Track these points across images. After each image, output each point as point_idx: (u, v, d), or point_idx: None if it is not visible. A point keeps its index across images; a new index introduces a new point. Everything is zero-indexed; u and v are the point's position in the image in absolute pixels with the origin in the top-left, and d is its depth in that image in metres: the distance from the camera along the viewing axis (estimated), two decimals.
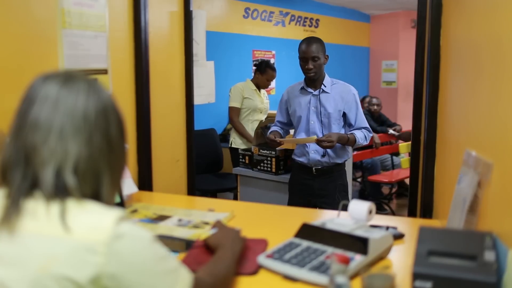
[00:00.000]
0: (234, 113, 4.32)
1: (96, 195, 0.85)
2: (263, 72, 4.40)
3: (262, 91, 4.49)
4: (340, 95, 2.67)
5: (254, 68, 4.60)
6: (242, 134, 4.28)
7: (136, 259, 0.80)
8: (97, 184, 0.85)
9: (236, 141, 4.37)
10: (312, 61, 2.59)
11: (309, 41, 2.65)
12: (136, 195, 1.98)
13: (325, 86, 2.67)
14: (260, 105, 4.42)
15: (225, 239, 1.23)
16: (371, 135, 2.74)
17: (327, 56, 2.69)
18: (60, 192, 0.81)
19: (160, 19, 2.35)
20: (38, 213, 0.80)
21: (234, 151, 4.33)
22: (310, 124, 2.70)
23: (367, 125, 2.75)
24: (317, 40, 2.65)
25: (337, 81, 2.74)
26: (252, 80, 4.45)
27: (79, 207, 0.81)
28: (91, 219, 0.80)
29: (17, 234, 0.79)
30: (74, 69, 0.98)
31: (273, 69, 4.46)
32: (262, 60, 4.59)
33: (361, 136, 2.67)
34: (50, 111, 0.83)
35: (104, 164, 0.86)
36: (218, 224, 1.35)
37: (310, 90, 2.69)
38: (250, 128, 4.31)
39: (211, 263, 1.08)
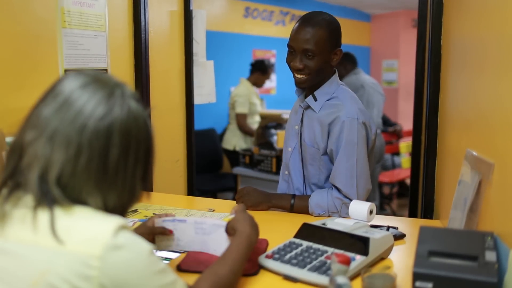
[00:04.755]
0: (244, 119, 4.34)
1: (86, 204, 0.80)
2: (265, 73, 4.42)
3: (254, 90, 4.51)
4: (324, 119, 1.63)
5: (251, 67, 4.62)
6: (251, 134, 4.31)
7: (132, 272, 0.76)
8: (84, 201, 0.79)
9: (240, 143, 4.39)
10: (302, 57, 1.57)
11: (308, 20, 1.58)
12: None
13: (315, 100, 1.65)
14: (259, 108, 4.46)
15: (245, 225, 1.14)
16: (347, 201, 1.57)
17: (339, 51, 1.64)
18: (47, 198, 0.76)
19: (160, 18, 2.35)
20: (31, 222, 0.76)
21: (235, 153, 4.36)
22: (287, 151, 1.76)
23: (346, 185, 1.58)
24: (323, 22, 1.58)
25: (340, 92, 1.66)
26: (249, 79, 4.44)
27: (73, 216, 0.77)
28: (87, 229, 0.76)
29: (10, 245, 0.76)
30: (110, 75, 0.91)
31: (272, 68, 4.53)
32: (261, 60, 4.60)
33: (321, 204, 1.61)
34: (52, 111, 0.78)
35: (92, 185, 0.78)
36: (238, 209, 1.22)
37: (301, 97, 1.75)
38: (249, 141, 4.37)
39: (216, 265, 1.02)
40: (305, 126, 1.69)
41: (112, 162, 0.79)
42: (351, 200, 1.57)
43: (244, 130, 4.37)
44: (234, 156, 4.43)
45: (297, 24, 1.61)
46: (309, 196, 1.66)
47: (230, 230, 1.17)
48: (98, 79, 0.82)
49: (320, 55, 1.57)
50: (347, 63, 4.10)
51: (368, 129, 1.64)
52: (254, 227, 1.16)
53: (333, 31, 1.61)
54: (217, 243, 1.20)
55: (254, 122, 4.44)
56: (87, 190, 0.79)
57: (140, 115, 0.83)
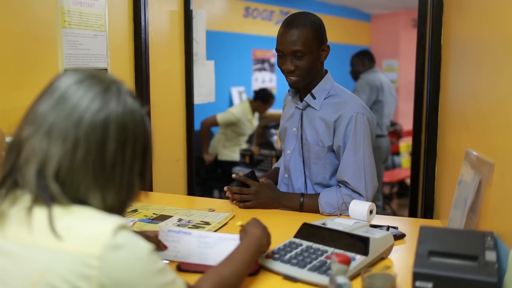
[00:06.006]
0: (212, 122, 4.33)
1: (85, 204, 0.79)
2: (266, 102, 4.49)
3: (249, 115, 4.56)
4: (328, 117, 1.63)
5: (254, 93, 4.64)
6: (203, 141, 4.32)
7: (132, 272, 0.75)
8: (83, 198, 0.79)
9: (222, 152, 4.37)
10: (293, 58, 1.58)
11: (292, 22, 1.59)
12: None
13: (313, 98, 1.66)
14: (248, 131, 4.50)
15: (256, 227, 1.15)
16: (357, 196, 1.59)
17: (327, 47, 1.64)
18: (45, 194, 0.76)
19: (160, 18, 2.35)
20: (29, 221, 0.76)
21: (223, 165, 4.34)
22: (286, 154, 1.77)
23: (355, 178, 1.59)
24: (307, 21, 1.59)
25: (338, 90, 1.68)
26: (251, 104, 4.49)
27: (72, 215, 0.77)
28: (86, 229, 0.75)
29: (9, 245, 0.76)
30: (107, 73, 0.90)
31: (274, 97, 4.61)
32: (264, 89, 4.64)
33: (331, 202, 1.61)
34: (49, 106, 0.79)
35: (89, 180, 0.78)
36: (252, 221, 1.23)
37: (295, 99, 1.75)
38: (232, 154, 4.39)
39: (221, 264, 1.02)
40: (305, 126, 1.69)
41: (109, 156, 0.79)
42: (360, 194, 1.59)
43: (204, 128, 4.33)
44: (213, 165, 4.42)
45: (281, 28, 1.61)
46: (318, 194, 1.65)
47: (241, 233, 1.18)
48: (94, 76, 0.82)
49: (309, 54, 1.58)
50: (366, 60, 4.09)
51: (372, 126, 1.65)
52: (265, 231, 1.18)
53: (318, 28, 1.61)
54: (218, 254, 1.17)
55: (240, 144, 4.49)
56: (85, 186, 0.78)
57: (137, 111, 0.83)
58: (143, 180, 0.87)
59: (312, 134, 1.67)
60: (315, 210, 1.65)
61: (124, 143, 0.80)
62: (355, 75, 4.11)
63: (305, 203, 1.66)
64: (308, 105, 1.68)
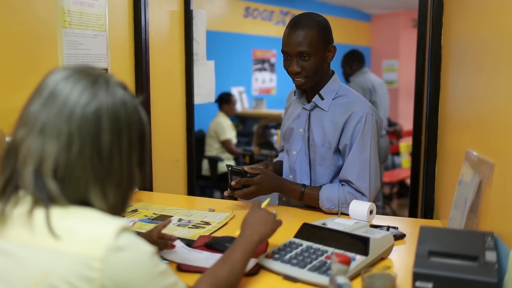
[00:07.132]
0: (230, 144, 4.46)
1: (85, 204, 0.79)
2: (229, 102, 4.70)
3: (228, 122, 4.69)
4: (337, 118, 1.63)
5: (218, 103, 4.77)
6: (235, 153, 4.48)
7: (134, 274, 0.75)
8: (83, 195, 0.79)
9: (224, 165, 4.41)
10: (298, 60, 1.57)
11: (297, 23, 1.58)
12: (136, 195, 1.98)
13: (321, 99, 1.66)
14: (234, 139, 4.61)
15: (248, 224, 1.15)
16: (363, 198, 1.58)
17: (333, 47, 1.63)
18: (43, 194, 0.75)
19: (160, 18, 2.35)
20: (30, 223, 0.76)
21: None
22: (291, 155, 1.76)
23: (359, 178, 1.59)
24: (312, 22, 1.58)
25: (346, 91, 1.67)
26: (222, 112, 4.64)
27: (73, 217, 0.76)
28: (88, 231, 0.75)
29: (11, 246, 0.76)
30: (95, 67, 0.91)
31: (231, 95, 4.87)
32: (224, 92, 4.82)
33: (332, 198, 1.61)
34: (40, 105, 0.79)
35: (89, 174, 0.78)
36: (254, 204, 1.22)
37: (301, 99, 1.73)
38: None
39: (216, 266, 1.03)
40: (313, 126, 1.68)
41: (105, 147, 0.78)
42: (363, 194, 1.58)
43: (235, 153, 4.46)
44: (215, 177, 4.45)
45: (287, 29, 1.60)
46: (320, 187, 1.64)
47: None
48: (81, 70, 0.83)
49: (316, 55, 1.57)
50: (353, 62, 3.96)
51: (379, 127, 1.65)
52: (256, 228, 1.14)
53: (324, 29, 1.60)
54: None
55: (225, 156, 4.58)
56: (85, 181, 0.78)
57: (128, 101, 0.82)
58: (143, 170, 0.87)
59: (319, 135, 1.66)
60: (315, 201, 1.64)
61: (118, 133, 0.80)
62: (346, 79, 4.06)
63: (305, 193, 1.64)
64: (316, 106, 1.67)
